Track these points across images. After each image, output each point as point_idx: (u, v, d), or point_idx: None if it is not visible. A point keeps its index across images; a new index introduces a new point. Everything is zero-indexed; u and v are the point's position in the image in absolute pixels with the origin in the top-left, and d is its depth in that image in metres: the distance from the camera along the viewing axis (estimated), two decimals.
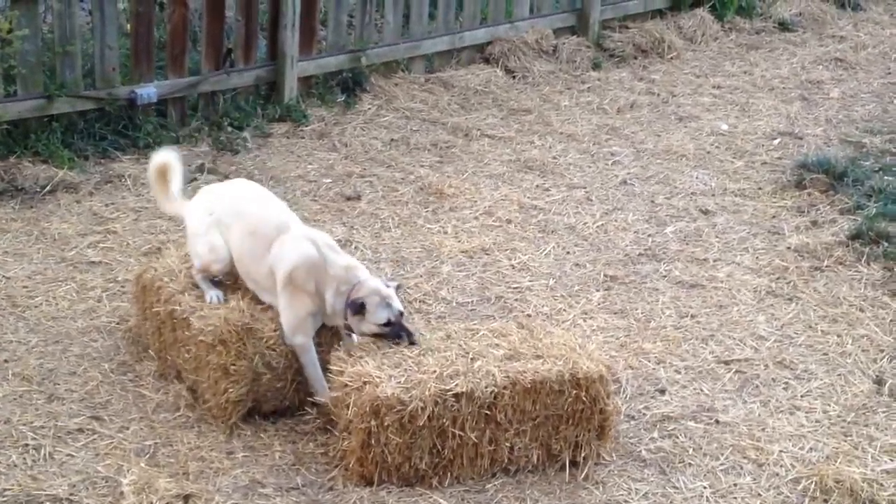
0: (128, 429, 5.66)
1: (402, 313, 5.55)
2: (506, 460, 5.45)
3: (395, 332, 5.51)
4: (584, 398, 5.40)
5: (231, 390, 5.63)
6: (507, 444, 5.41)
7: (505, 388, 5.29)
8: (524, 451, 5.46)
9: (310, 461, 5.51)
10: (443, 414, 5.23)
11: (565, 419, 5.44)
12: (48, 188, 7.88)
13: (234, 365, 5.60)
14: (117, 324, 6.50)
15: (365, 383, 5.25)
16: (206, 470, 5.40)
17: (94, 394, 5.91)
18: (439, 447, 5.31)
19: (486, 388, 5.26)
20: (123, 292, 6.76)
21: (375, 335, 5.53)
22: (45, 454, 5.43)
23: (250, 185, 6.36)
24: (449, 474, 5.37)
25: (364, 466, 5.31)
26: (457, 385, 5.23)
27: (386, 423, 5.20)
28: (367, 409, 5.18)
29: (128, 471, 5.27)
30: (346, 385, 5.31)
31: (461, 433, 5.29)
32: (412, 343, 5.48)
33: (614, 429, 5.63)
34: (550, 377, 5.35)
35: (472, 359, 5.39)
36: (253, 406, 5.73)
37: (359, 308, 5.49)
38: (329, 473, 5.42)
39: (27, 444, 5.48)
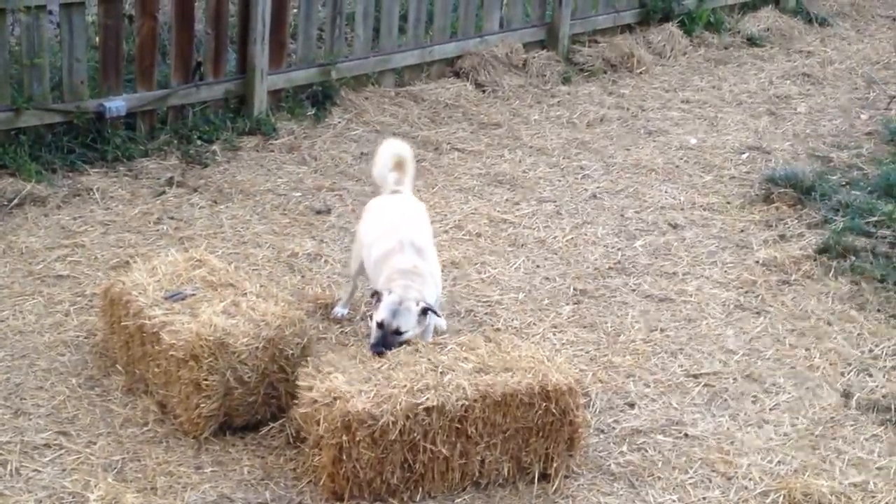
0: (95, 444, 5.62)
1: (397, 331, 5.66)
2: (476, 473, 5.44)
3: (376, 337, 5.66)
4: (553, 410, 5.41)
5: (203, 405, 5.60)
6: (478, 458, 5.41)
7: (475, 401, 5.29)
8: (495, 465, 5.46)
9: (279, 476, 5.48)
10: (414, 428, 5.23)
11: (535, 431, 5.45)
12: (15, 201, 7.83)
13: (206, 380, 5.57)
14: (85, 338, 6.46)
15: (335, 399, 5.24)
16: (174, 485, 5.37)
17: (62, 409, 5.86)
18: (410, 461, 5.30)
19: (456, 401, 5.26)
20: (91, 306, 6.71)
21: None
22: (11, 469, 5.38)
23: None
24: (420, 489, 5.36)
25: (335, 482, 5.29)
26: (427, 399, 5.23)
27: (357, 438, 5.18)
28: (339, 424, 5.17)
29: (95, 486, 5.24)
30: (316, 401, 5.29)
31: (432, 447, 5.29)
32: (376, 353, 5.61)
33: (584, 441, 5.63)
34: (520, 389, 5.36)
35: (441, 373, 5.39)
36: (224, 421, 5.71)
37: (376, 294, 5.78)
38: (298, 487, 5.40)
39: None
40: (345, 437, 5.18)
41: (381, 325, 5.69)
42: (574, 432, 5.52)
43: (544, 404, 5.40)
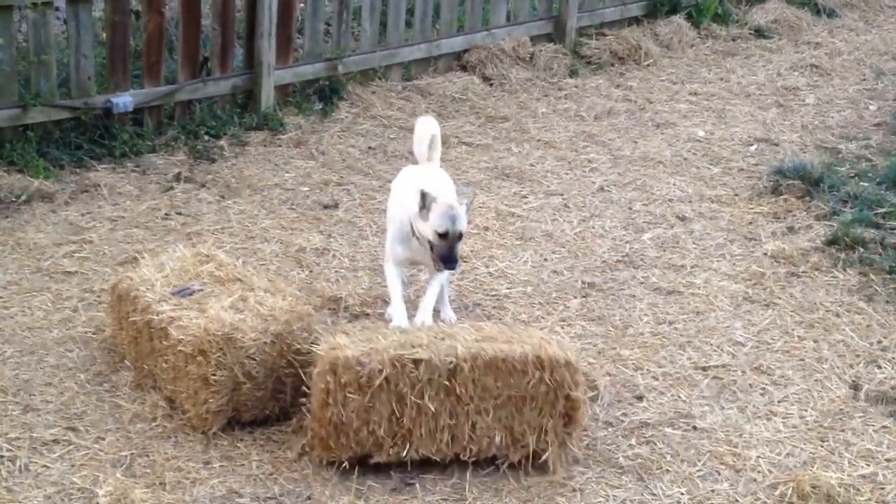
0: (104, 439, 5.63)
1: (460, 235, 5.74)
2: (467, 438, 5.44)
3: (443, 248, 5.71)
4: (548, 380, 5.40)
5: (211, 400, 5.60)
6: (469, 422, 5.42)
7: (465, 360, 5.33)
8: (486, 431, 5.45)
9: (287, 470, 5.49)
10: (401, 379, 5.29)
11: (529, 401, 5.44)
12: (23, 198, 7.84)
13: (214, 375, 5.57)
14: (93, 334, 6.47)
15: (332, 349, 5.36)
16: (183, 480, 5.38)
17: (70, 404, 5.87)
18: (398, 414, 5.35)
19: (445, 356, 5.31)
20: (99, 302, 6.73)
21: (429, 245, 5.77)
22: (20, 466, 5.39)
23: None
24: (408, 444, 5.40)
25: (322, 427, 5.36)
26: (417, 352, 5.31)
27: (343, 382, 5.26)
28: (327, 367, 5.28)
29: (104, 482, 5.24)
30: (318, 354, 5.43)
31: (419, 401, 5.33)
32: (448, 268, 5.79)
33: (583, 420, 5.60)
34: (513, 355, 5.38)
35: (442, 339, 5.45)
36: (232, 416, 5.71)
37: (422, 200, 5.73)
38: (307, 482, 5.41)
39: (2, 456, 5.44)
40: (330, 380, 5.27)
41: (444, 236, 5.72)
42: (572, 409, 5.49)
43: (538, 373, 5.39)
